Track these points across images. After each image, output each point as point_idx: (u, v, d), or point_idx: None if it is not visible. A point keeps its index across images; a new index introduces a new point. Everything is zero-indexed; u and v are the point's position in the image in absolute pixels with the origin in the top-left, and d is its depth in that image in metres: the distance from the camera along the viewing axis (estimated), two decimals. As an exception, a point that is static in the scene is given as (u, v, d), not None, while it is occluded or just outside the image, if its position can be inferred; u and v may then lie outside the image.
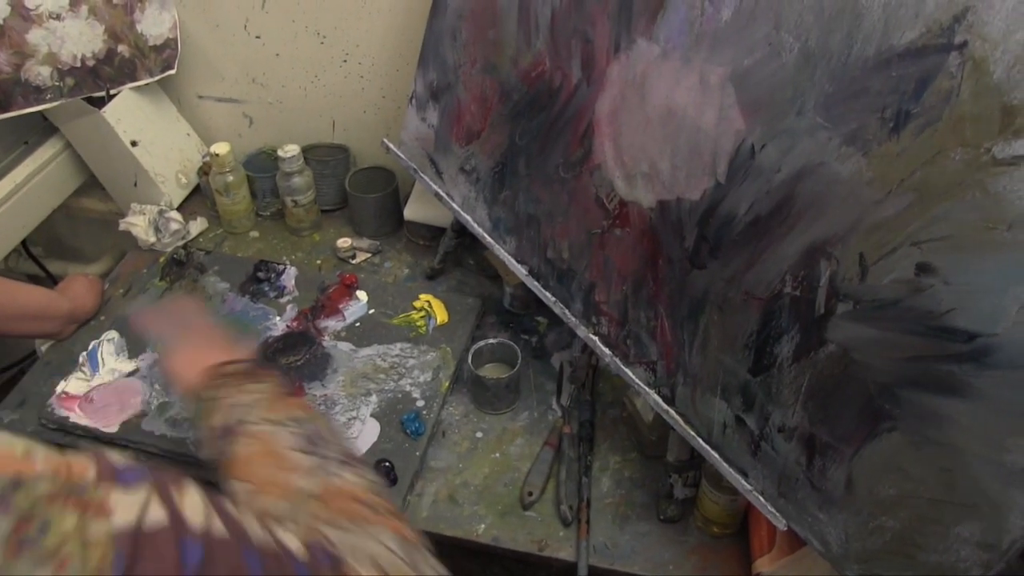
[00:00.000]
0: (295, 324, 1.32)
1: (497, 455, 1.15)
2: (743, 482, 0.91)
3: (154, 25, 1.43)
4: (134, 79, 1.45)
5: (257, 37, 1.47)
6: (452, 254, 1.41)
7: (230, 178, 1.46)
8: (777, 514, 0.88)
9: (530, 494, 1.08)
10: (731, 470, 0.92)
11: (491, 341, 1.20)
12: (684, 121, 0.86)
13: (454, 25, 1.12)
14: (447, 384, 1.22)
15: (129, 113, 1.47)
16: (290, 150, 1.43)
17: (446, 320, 1.30)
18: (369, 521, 0.62)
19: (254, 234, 1.55)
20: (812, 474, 0.83)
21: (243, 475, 0.69)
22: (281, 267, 1.42)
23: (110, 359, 1.26)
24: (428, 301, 1.32)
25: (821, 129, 0.75)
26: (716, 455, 0.94)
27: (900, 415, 0.74)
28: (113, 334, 1.29)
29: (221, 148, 1.43)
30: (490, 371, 1.21)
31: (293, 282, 1.39)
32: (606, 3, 0.91)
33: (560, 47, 0.98)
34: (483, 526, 1.07)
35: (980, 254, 0.66)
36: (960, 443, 0.70)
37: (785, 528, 0.88)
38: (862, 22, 0.70)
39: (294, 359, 1.25)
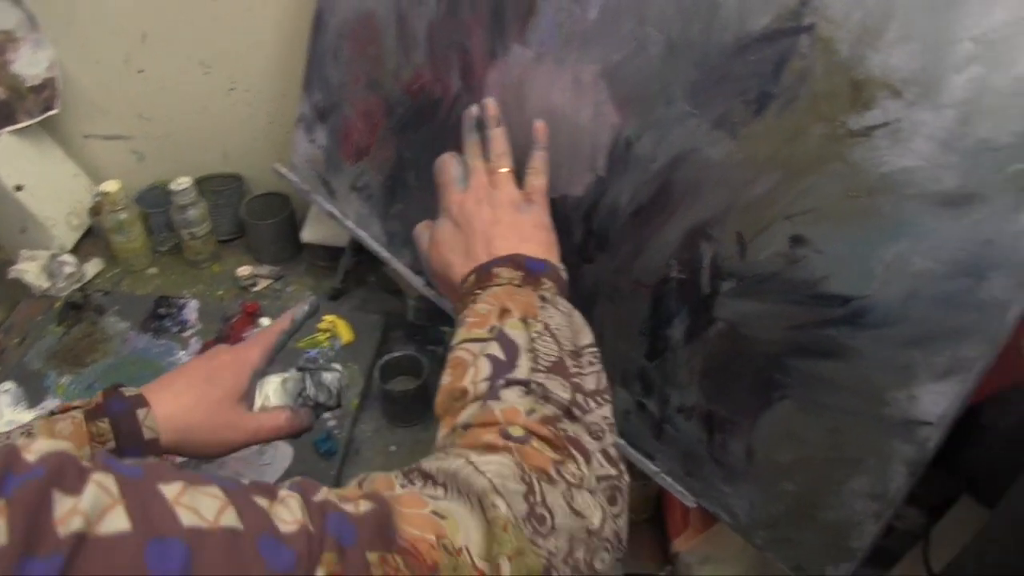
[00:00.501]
0: (200, 356, 1.30)
1: (413, 467, 1.15)
2: (650, 465, 0.93)
3: (30, 65, 1.40)
4: (13, 122, 1.42)
5: (140, 71, 1.46)
6: (353, 273, 1.41)
7: (123, 216, 1.44)
8: (685, 492, 0.91)
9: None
10: (638, 455, 0.94)
11: (396, 354, 1.21)
12: (562, 120, 0.88)
13: (336, 44, 1.13)
14: (357, 402, 1.21)
15: (11, 157, 1.43)
16: (182, 182, 1.41)
17: (352, 339, 1.30)
18: (492, 448, 0.59)
19: (153, 270, 1.52)
20: (714, 450, 0.86)
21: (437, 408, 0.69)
22: (182, 301, 1.40)
23: (7, 411, 1.22)
24: (332, 322, 1.32)
25: (690, 116, 0.78)
26: (623, 442, 0.96)
27: (789, 383, 0.77)
28: (10, 385, 1.25)
29: (111, 186, 1.41)
30: (399, 384, 1.21)
31: (195, 315, 1.38)
32: (479, 12, 0.94)
33: (439, 59, 1.00)
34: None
35: (846, 222, 0.70)
36: (844, 403, 0.74)
37: (695, 505, 0.90)
38: (719, 11, 0.74)
39: (202, 391, 1.23)
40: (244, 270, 1.45)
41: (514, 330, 0.69)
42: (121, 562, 0.39)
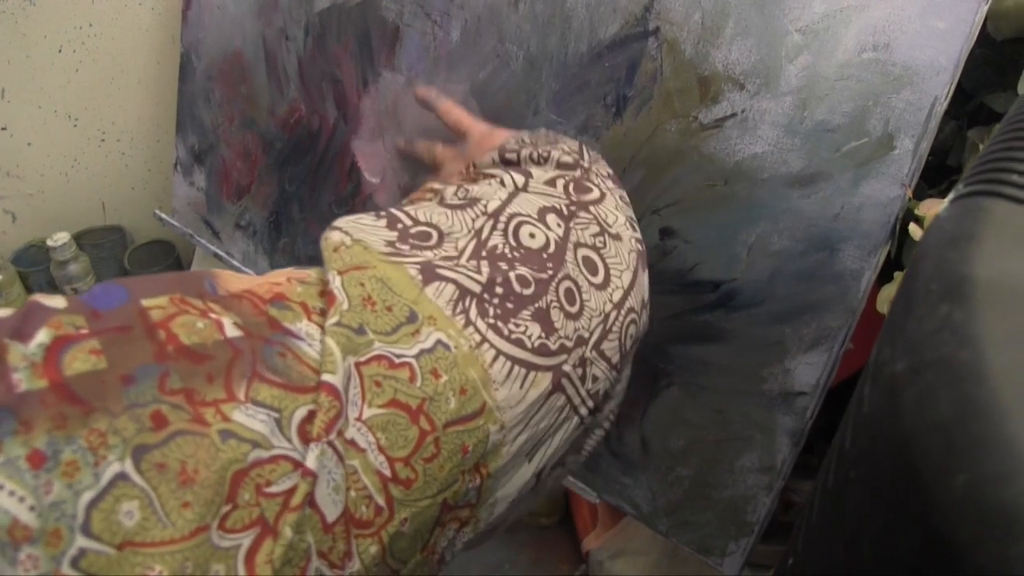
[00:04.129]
0: (94, 412, 1.27)
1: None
2: (554, 466, 0.96)
3: None
4: None
5: (3, 128, 1.42)
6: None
7: (-1, 278, 1.40)
8: (587, 489, 0.93)
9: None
10: (541, 458, 0.97)
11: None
12: (439, 139, 0.90)
13: (205, 87, 1.13)
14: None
15: None
16: (60, 238, 1.38)
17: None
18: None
19: (37, 331, 1.48)
20: (611, 444, 0.88)
21: None
22: (71, 359, 1.36)
23: None
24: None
25: (556, 124, 0.81)
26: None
27: (674, 370, 0.81)
28: None
29: (-17, 249, 1.37)
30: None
31: (86, 371, 1.34)
32: (347, 43, 0.96)
33: (312, 92, 1.01)
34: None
35: (708, 210, 0.74)
36: (726, 384, 0.78)
37: (598, 501, 0.93)
38: (571, 23, 0.78)
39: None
40: (133, 321, 1.42)
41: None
42: None
